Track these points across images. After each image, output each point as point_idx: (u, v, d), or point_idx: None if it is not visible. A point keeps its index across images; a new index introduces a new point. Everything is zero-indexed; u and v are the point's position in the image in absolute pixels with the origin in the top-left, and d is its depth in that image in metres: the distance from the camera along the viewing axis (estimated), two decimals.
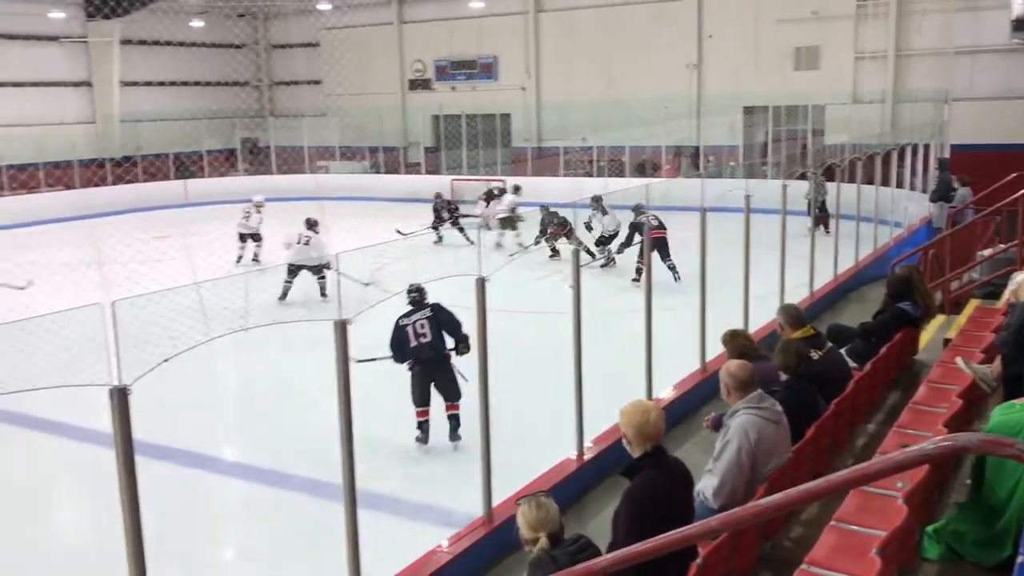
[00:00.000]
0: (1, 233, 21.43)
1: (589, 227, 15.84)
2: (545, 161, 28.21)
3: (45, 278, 14.32)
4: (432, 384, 8.06)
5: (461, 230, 18.81)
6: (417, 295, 7.92)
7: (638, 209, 14.75)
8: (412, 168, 30.51)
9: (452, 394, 8.02)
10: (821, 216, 15.81)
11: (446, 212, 19.48)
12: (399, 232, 18.49)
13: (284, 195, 23.25)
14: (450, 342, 7.98)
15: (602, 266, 15.81)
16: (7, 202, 24.90)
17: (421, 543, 6.12)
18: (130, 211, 25.12)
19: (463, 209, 20.47)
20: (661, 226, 13.63)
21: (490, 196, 20.55)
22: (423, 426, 8.05)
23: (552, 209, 16.41)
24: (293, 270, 13.38)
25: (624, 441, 4.22)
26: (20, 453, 8.47)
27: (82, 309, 3.34)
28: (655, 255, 13.22)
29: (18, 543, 6.78)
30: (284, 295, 13.27)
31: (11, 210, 23.90)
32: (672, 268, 14.04)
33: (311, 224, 14.67)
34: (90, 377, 3.40)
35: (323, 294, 13.35)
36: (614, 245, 15.62)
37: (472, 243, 18.32)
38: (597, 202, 15.90)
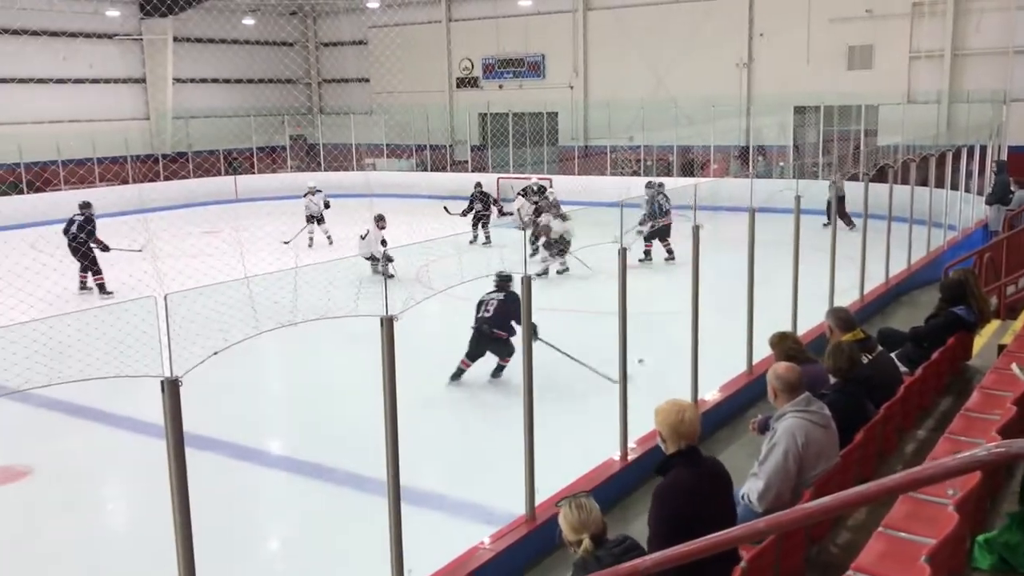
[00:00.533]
0: (57, 226, 21.94)
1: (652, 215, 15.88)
2: (592, 160, 28.13)
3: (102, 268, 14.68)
4: (487, 350, 9.55)
5: (484, 226, 19.22)
6: (501, 280, 9.42)
7: (650, 185, 15.38)
8: (459, 166, 30.63)
9: (502, 354, 9.56)
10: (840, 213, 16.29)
11: (479, 203, 19.61)
12: (446, 210, 18.76)
13: (333, 191, 23.44)
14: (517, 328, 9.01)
15: (640, 260, 16.00)
16: (63, 196, 25.43)
17: (463, 540, 6.16)
18: (181, 206, 25.58)
19: (504, 208, 20.65)
20: (668, 212, 14.96)
21: (527, 193, 20.67)
22: (459, 373, 9.60)
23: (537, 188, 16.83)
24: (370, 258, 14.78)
25: (659, 439, 4.20)
26: (75, 442, 8.66)
27: (136, 302, 3.40)
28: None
29: (71, 531, 6.94)
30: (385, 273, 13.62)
31: (67, 204, 24.38)
32: (669, 251, 15.64)
33: (377, 219, 15.55)
34: (143, 368, 3.47)
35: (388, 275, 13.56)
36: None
37: (490, 243, 18.61)
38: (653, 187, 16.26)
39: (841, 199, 16.88)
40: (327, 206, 19.65)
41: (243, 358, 9.96)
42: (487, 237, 19.43)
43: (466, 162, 30.48)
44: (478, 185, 20.40)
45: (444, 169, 30.20)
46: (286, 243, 18.35)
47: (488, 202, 19.83)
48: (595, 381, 8.71)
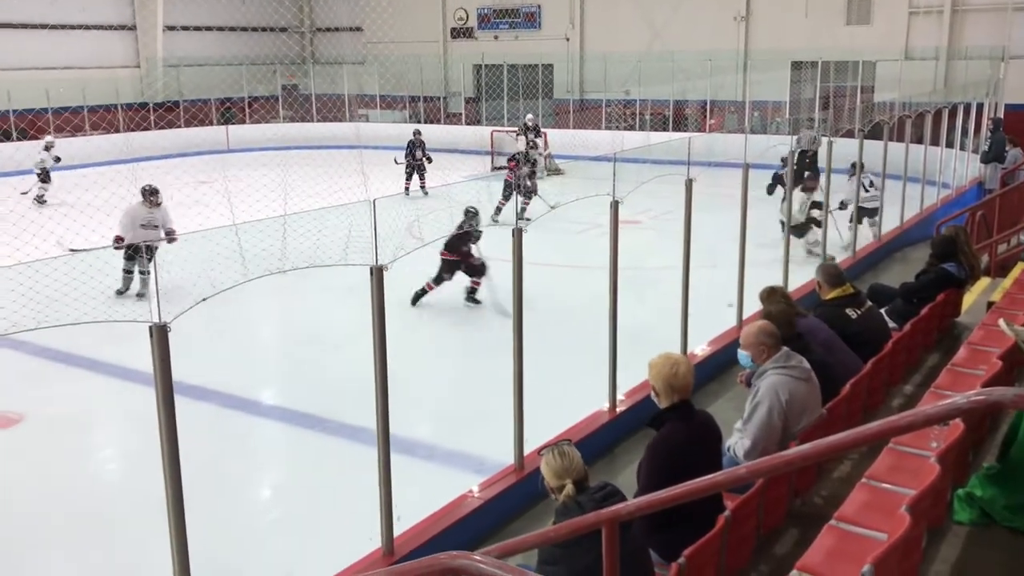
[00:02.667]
0: (54, 174, 21.76)
1: None
2: (587, 113, 27.94)
3: (88, 220, 14.58)
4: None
5: (421, 177, 19.50)
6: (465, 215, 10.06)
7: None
8: (452, 118, 30.38)
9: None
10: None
11: (419, 150, 19.62)
12: (396, 161, 18.73)
13: (324, 143, 23.30)
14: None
15: None
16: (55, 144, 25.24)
17: (452, 489, 6.23)
18: (173, 156, 25.37)
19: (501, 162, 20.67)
20: None
21: (525, 131, 21.02)
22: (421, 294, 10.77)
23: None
24: None
25: (652, 393, 4.22)
26: (66, 390, 8.68)
27: (127, 247, 3.38)
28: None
29: (62, 478, 6.99)
30: None
31: (57, 152, 24.22)
32: None
33: None
34: (131, 314, 3.46)
35: None
36: None
37: (427, 194, 18.56)
38: None
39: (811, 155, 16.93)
40: (57, 160, 19.43)
41: (235, 309, 10.01)
42: (422, 187, 19.46)
43: (460, 114, 30.21)
44: (417, 132, 20.30)
45: (438, 121, 29.96)
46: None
47: (424, 151, 19.80)
48: (587, 335, 8.74)
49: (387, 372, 4.60)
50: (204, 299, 3.56)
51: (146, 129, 27.20)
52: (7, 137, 25.17)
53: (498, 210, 15.50)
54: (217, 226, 4.88)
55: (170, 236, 10.86)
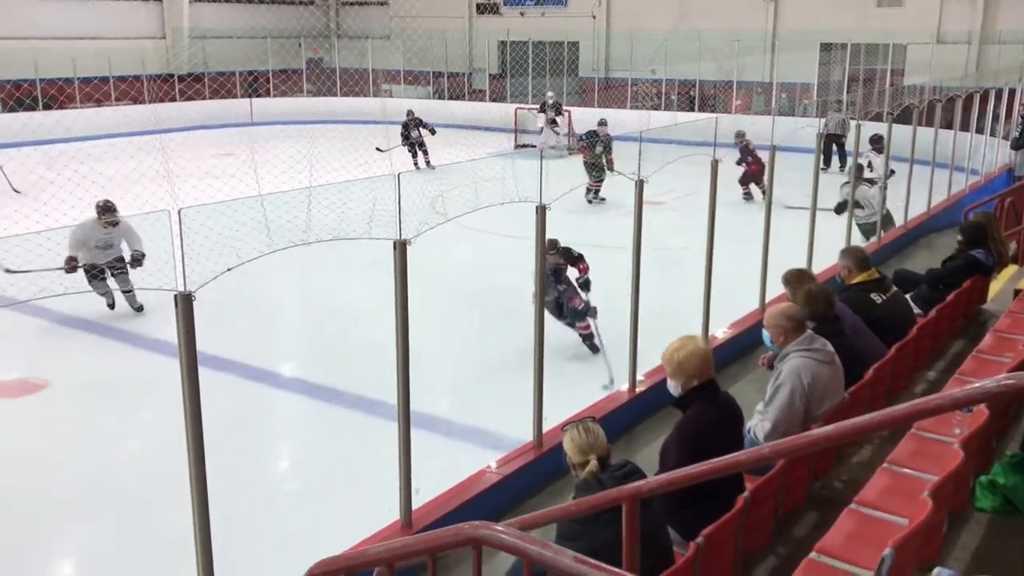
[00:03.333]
0: (74, 144, 21.92)
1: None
2: (612, 92, 27.74)
3: (113, 189, 14.68)
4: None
5: (424, 152, 19.71)
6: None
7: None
8: (476, 95, 30.27)
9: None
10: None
11: (415, 130, 19.72)
12: (379, 150, 18.69)
13: (348, 118, 23.29)
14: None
15: None
16: (79, 115, 25.41)
17: (471, 464, 6.25)
18: (197, 128, 25.46)
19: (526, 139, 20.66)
20: None
21: (543, 107, 21.07)
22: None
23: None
24: None
25: (668, 375, 4.21)
26: (90, 359, 8.78)
27: (150, 215, 3.40)
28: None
29: (84, 444, 7.08)
30: None
31: (82, 122, 24.43)
32: None
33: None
34: (156, 282, 3.48)
35: None
36: None
37: (433, 168, 18.68)
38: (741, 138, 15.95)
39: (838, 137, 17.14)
40: None
41: (258, 281, 10.05)
42: (427, 163, 19.58)
43: (484, 91, 30.09)
44: (410, 112, 20.29)
45: (462, 97, 29.85)
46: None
47: (425, 126, 19.89)
48: (607, 314, 8.72)
49: (408, 347, 4.60)
50: (229, 269, 3.57)
51: (171, 100, 27.30)
52: (34, 106, 25.36)
53: (593, 191, 15.49)
54: (242, 196, 4.89)
55: (136, 261, 9.35)
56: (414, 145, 19.72)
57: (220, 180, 12.89)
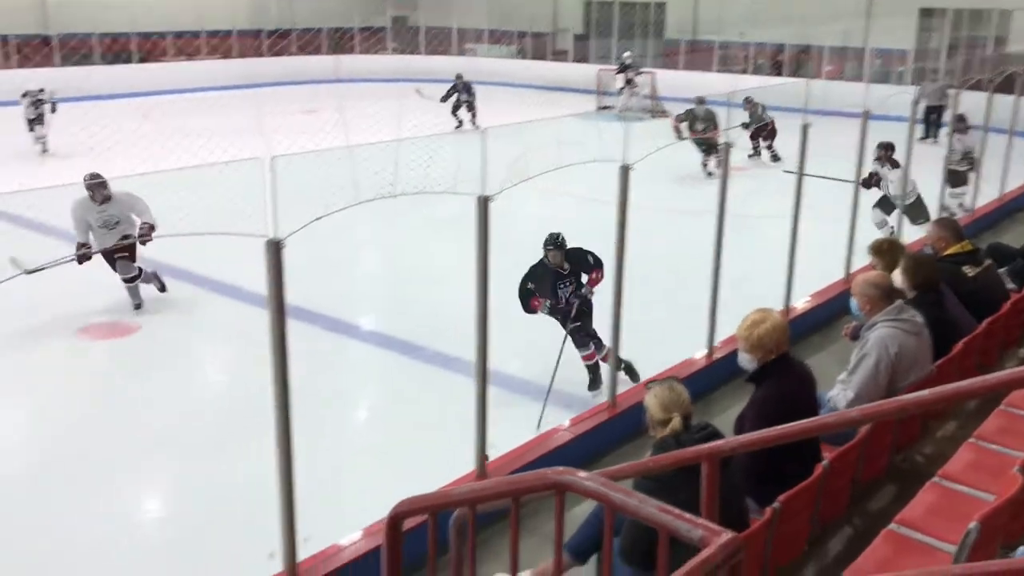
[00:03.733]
0: (166, 97, 22.53)
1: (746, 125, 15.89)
2: (699, 55, 27.14)
3: (206, 142, 15.01)
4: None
5: (471, 110, 19.64)
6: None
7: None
8: (559, 55, 29.99)
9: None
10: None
11: (463, 93, 19.67)
12: (419, 93, 18.90)
13: (433, 76, 23.30)
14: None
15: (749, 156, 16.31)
16: (170, 68, 26.09)
17: (544, 423, 6.31)
18: (283, 83, 25.85)
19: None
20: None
21: (623, 68, 20.85)
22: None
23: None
24: None
25: (742, 349, 4.17)
26: (179, 303, 9.07)
27: (243, 163, 3.48)
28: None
29: (173, 384, 7.36)
30: None
31: (174, 76, 25.09)
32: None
33: None
34: (247, 229, 3.55)
35: None
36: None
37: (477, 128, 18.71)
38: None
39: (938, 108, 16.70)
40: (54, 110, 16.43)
41: (343, 235, 10.23)
42: (473, 122, 19.64)
43: (567, 52, 29.78)
44: (459, 76, 20.17)
45: (544, 57, 29.62)
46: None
47: (471, 90, 19.80)
48: (684, 278, 8.64)
49: (488, 302, 4.64)
50: (318, 218, 3.64)
51: (259, 55, 27.72)
52: (129, 59, 26.09)
53: (704, 165, 15.40)
54: (331, 147, 4.97)
55: (144, 235, 8.30)
56: (463, 106, 19.72)
57: (304, 136, 13.07)
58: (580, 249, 7.14)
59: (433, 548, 2.85)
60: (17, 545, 5.14)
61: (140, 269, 8.78)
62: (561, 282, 7.09)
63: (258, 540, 4.24)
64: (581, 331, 7.16)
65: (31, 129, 16.22)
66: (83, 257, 7.83)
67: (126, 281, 8.68)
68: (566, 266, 7.07)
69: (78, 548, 5.16)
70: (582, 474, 2.13)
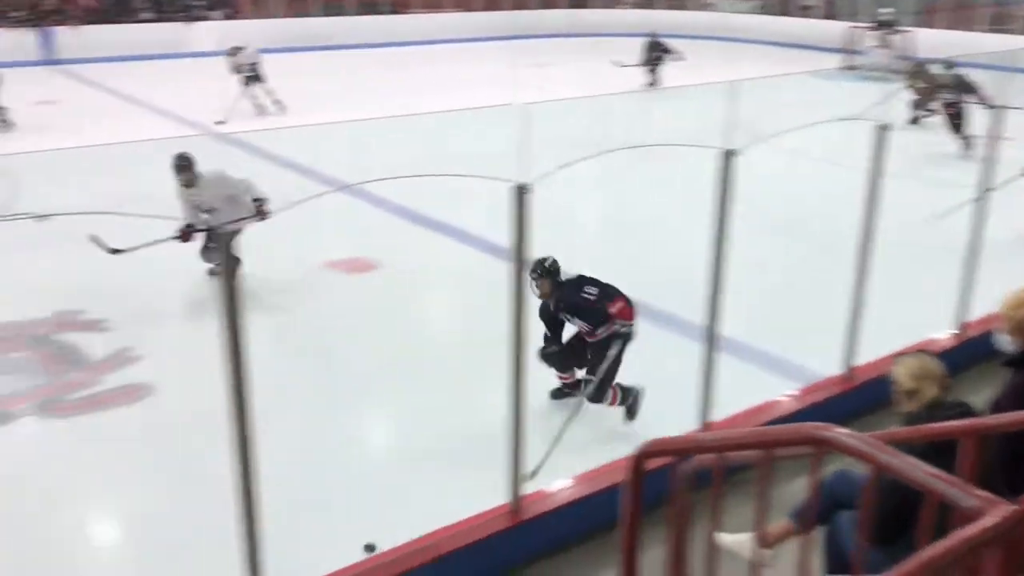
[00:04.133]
0: (412, 48, 23.55)
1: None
2: (964, 13, 24.81)
3: (451, 91, 15.57)
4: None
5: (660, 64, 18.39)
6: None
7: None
8: (805, 11, 28.45)
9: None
10: None
11: (658, 51, 18.59)
12: (621, 64, 17.79)
13: (673, 31, 22.82)
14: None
15: None
16: (415, 19, 27.22)
17: (771, 392, 6.11)
18: (518, 37, 26.31)
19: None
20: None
21: (879, 26, 19.62)
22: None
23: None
24: None
25: (1005, 331, 3.84)
26: (414, 246, 9.56)
27: (496, 108, 3.56)
28: None
29: (412, 315, 7.84)
30: None
31: (419, 27, 26.18)
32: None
33: None
34: (493, 173, 3.64)
35: None
36: None
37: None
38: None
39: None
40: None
41: (577, 188, 10.32)
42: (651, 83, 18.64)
43: (811, 7, 28.19)
44: (654, 34, 19.17)
45: (788, 13, 28.24)
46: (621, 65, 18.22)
47: (666, 48, 18.74)
48: (936, 252, 8.04)
49: (721, 262, 4.54)
50: (565, 165, 3.68)
51: (495, 10, 28.26)
52: (379, 11, 27.39)
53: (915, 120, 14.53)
54: (577, 96, 5.00)
55: (260, 213, 7.55)
56: (652, 62, 19.09)
57: (531, 89, 13.22)
58: (580, 277, 5.78)
59: (675, 492, 2.83)
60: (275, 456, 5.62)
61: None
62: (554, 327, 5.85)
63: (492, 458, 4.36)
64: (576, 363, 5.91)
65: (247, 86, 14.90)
66: (186, 238, 7.60)
67: (211, 273, 7.99)
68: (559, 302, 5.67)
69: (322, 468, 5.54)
70: (843, 431, 2.03)
